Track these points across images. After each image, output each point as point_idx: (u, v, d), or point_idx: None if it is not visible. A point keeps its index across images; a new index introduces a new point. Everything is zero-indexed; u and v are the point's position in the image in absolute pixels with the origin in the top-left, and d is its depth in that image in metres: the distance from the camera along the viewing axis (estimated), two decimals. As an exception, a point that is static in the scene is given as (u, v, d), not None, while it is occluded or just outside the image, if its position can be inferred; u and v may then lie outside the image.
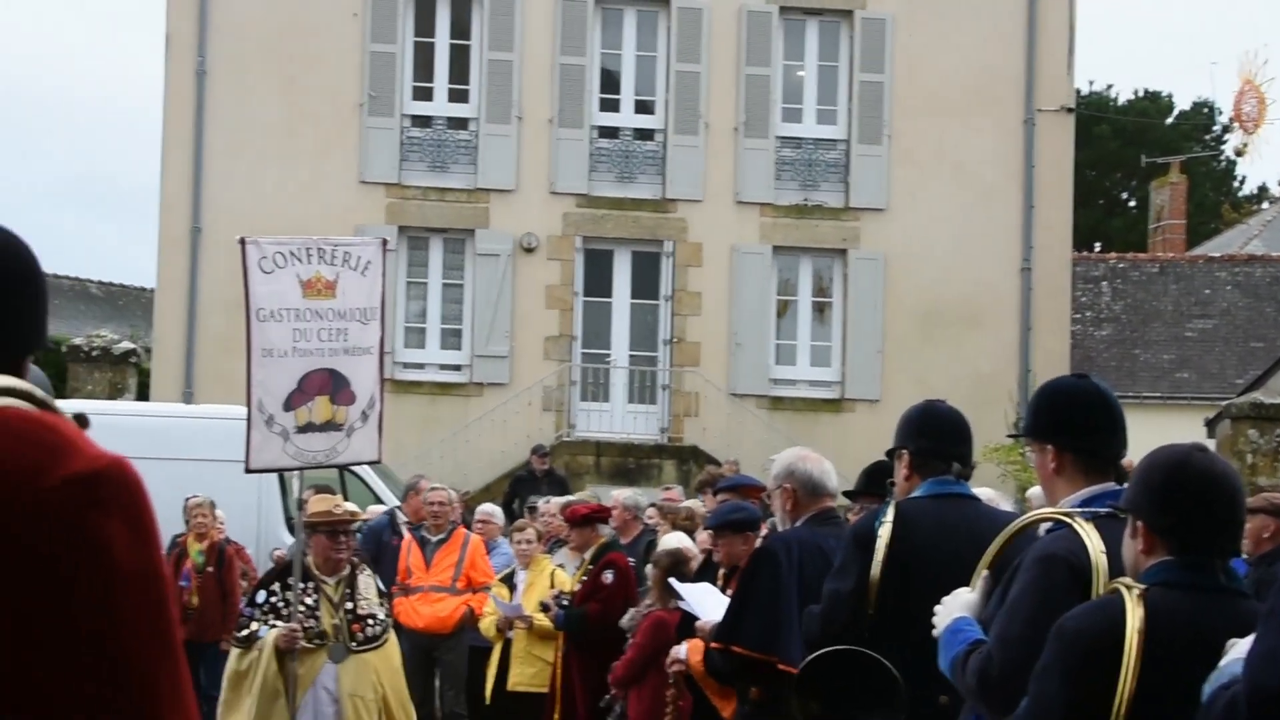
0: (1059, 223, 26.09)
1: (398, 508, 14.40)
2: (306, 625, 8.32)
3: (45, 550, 1.49)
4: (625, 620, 9.54)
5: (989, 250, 25.57)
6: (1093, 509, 4.26)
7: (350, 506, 9.03)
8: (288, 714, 8.26)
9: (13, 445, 1.54)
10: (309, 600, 8.44)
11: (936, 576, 4.67)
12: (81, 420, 1.82)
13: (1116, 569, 3.97)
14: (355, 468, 16.16)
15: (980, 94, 25.85)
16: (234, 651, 8.57)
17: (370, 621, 8.52)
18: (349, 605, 8.49)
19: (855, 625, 5.17)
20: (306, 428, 8.58)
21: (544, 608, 10.88)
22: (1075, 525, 4.19)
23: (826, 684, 4.91)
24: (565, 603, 10.67)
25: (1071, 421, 4.49)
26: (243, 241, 8.64)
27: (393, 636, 8.86)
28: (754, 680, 6.79)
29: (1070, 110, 26.60)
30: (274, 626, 8.32)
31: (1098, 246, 44.49)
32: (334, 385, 8.63)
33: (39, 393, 1.63)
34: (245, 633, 8.45)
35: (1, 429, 1.55)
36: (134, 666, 1.54)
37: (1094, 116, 45.75)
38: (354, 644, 8.42)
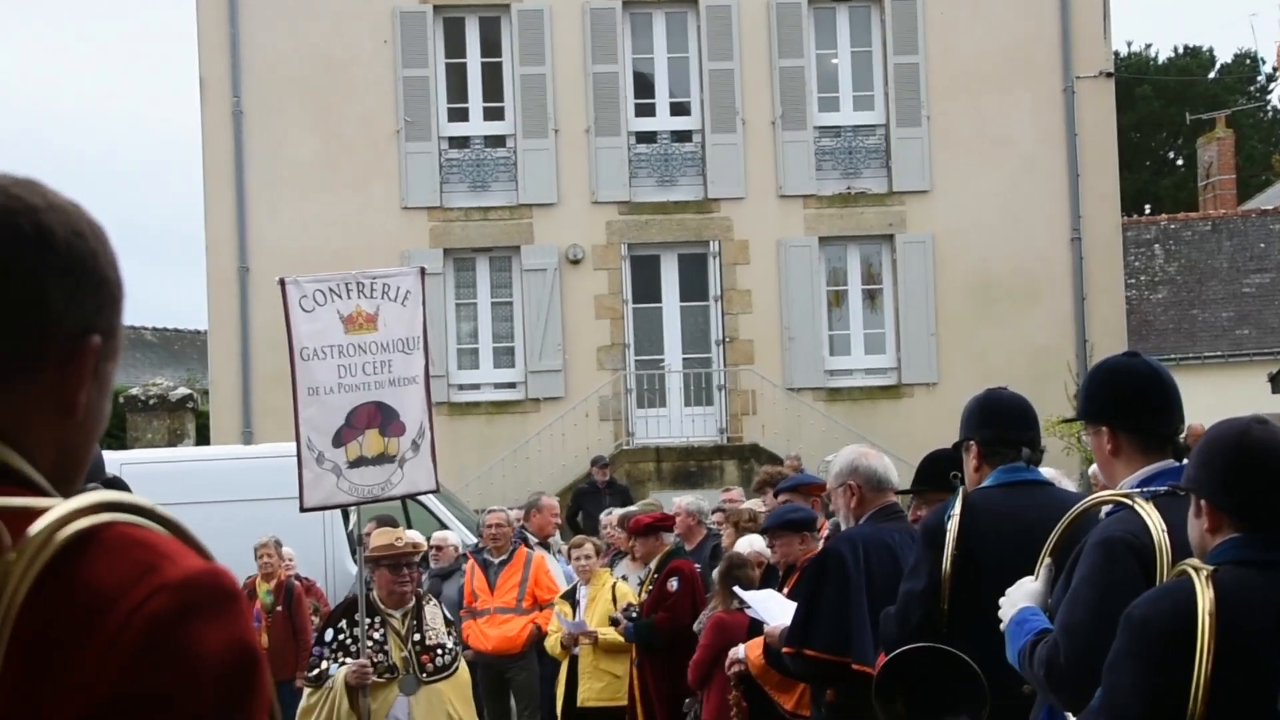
0: (1106, 189, 25.88)
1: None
2: (376, 660, 8.30)
3: (139, 658, 1.50)
4: (696, 624, 9.51)
5: (1037, 223, 25.39)
6: (1152, 488, 4.17)
7: (412, 538, 8.97)
8: None
9: (110, 561, 1.53)
10: (377, 635, 8.43)
11: (1007, 567, 4.61)
12: (118, 484, 1.80)
13: (1179, 548, 3.89)
14: (420, 495, 16.24)
15: (1016, 66, 25.68)
16: (305, 691, 8.55)
17: (439, 651, 8.49)
18: (416, 637, 8.47)
19: (931, 623, 5.10)
20: (358, 462, 8.57)
21: (613, 622, 10.82)
22: (1136, 506, 4.11)
23: (908, 684, 4.85)
24: (634, 615, 10.61)
25: (1125, 401, 4.42)
26: (282, 282, 8.68)
27: (463, 664, 8.83)
28: (828, 682, 6.72)
29: (1109, 75, 26.38)
30: (344, 663, 8.30)
31: (1148, 209, 44.11)
32: (383, 418, 8.61)
33: (142, 502, 1.62)
34: (316, 672, 8.43)
35: (103, 546, 1.54)
36: None
37: (1134, 78, 45.38)
38: (424, 675, 8.40)
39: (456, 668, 8.62)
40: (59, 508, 1.53)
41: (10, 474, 1.61)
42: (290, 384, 8.58)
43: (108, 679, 1.49)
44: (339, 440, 8.53)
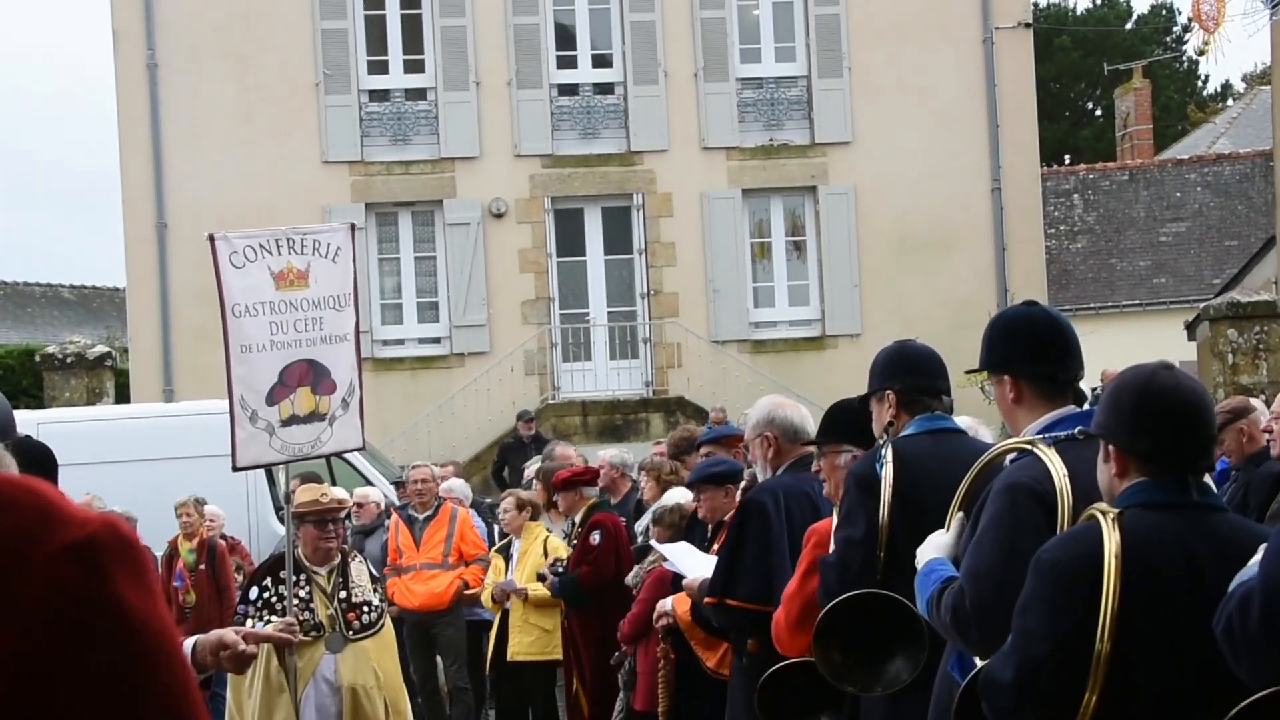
0: (1025, 140, 26.03)
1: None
2: (302, 618, 8.25)
3: (58, 616, 1.46)
4: (630, 578, 9.52)
5: (958, 173, 25.52)
6: (1054, 434, 4.24)
7: (338, 494, 8.90)
8: (291, 708, 8.21)
9: (2, 515, 1.49)
10: (302, 592, 8.40)
11: (942, 512, 4.63)
12: (29, 443, 1.78)
13: (1081, 493, 3.95)
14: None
15: (937, 16, 25.74)
16: None
17: (366, 609, 8.48)
18: (343, 594, 8.46)
19: (868, 570, 5.11)
20: (290, 420, 8.48)
21: (540, 577, 10.83)
22: (1038, 451, 4.17)
23: (847, 633, 4.88)
24: (560, 570, 10.62)
25: (1025, 350, 4.50)
26: (211, 238, 8.53)
27: (388, 622, 8.82)
28: (751, 632, 6.74)
29: (1028, 25, 26.48)
30: (269, 622, 8.21)
31: (1067, 159, 44.43)
32: (314, 375, 8.55)
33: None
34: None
35: None
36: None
37: (1053, 29, 45.62)
38: (350, 633, 8.39)
39: (382, 625, 8.60)
40: None
41: None
42: (221, 341, 8.49)
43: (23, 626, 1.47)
44: (272, 399, 8.44)
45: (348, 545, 9.04)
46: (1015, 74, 25.96)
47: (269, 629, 8.05)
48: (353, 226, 8.95)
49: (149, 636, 1.51)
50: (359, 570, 8.65)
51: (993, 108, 25.72)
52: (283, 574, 8.39)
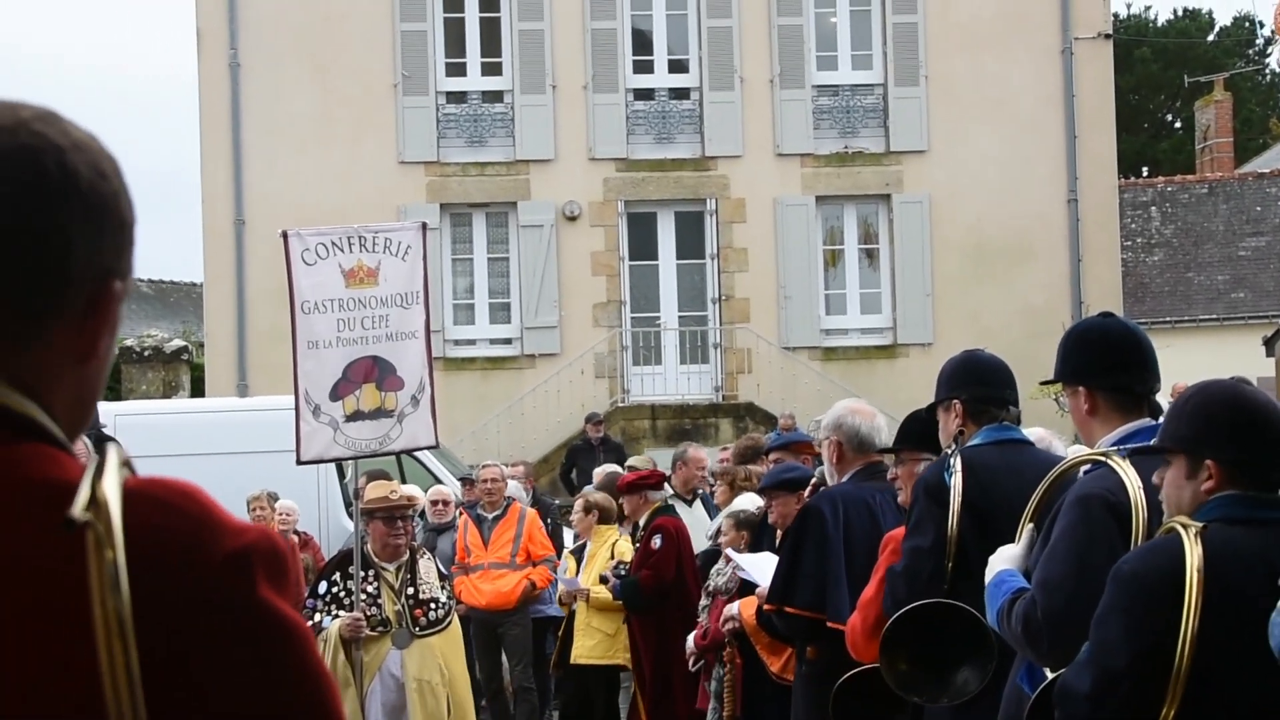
0: (1103, 151, 25.84)
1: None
2: (369, 614, 8.29)
3: (213, 623, 1.49)
4: (725, 581, 9.45)
5: (1034, 184, 25.35)
6: (1129, 446, 4.20)
7: (407, 491, 8.92)
8: (357, 703, 8.21)
9: (165, 520, 1.51)
10: (370, 588, 8.41)
11: (1011, 523, 4.61)
12: (104, 439, 1.78)
13: (1157, 505, 3.92)
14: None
15: (1015, 26, 25.59)
16: None
17: (433, 605, 8.49)
18: (410, 591, 8.46)
19: (937, 579, 5.10)
20: (355, 416, 8.52)
21: (603, 579, 10.82)
22: (1112, 463, 4.13)
23: (913, 642, 4.85)
24: (622, 572, 10.61)
25: (1101, 361, 4.47)
26: (285, 235, 8.61)
27: (456, 620, 8.84)
28: (809, 640, 6.72)
29: (1108, 36, 26.31)
30: (337, 616, 8.30)
31: (1145, 171, 44.05)
32: (380, 372, 8.58)
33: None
34: (309, 625, 8.36)
35: (146, 503, 1.50)
36: None
37: (1134, 40, 45.26)
38: (417, 629, 8.40)
39: (450, 622, 8.61)
40: (109, 466, 1.48)
41: (31, 428, 1.57)
42: (290, 337, 8.56)
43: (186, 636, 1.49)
44: (336, 394, 8.48)
45: (417, 542, 9.03)
46: (1094, 85, 25.77)
47: (336, 624, 8.19)
48: (424, 225, 8.99)
49: (295, 641, 1.54)
50: (427, 567, 8.66)
51: (1070, 118, 25.54)
52: (351, 569, 8.41)
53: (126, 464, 1.53)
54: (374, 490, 8.72)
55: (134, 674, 1.42)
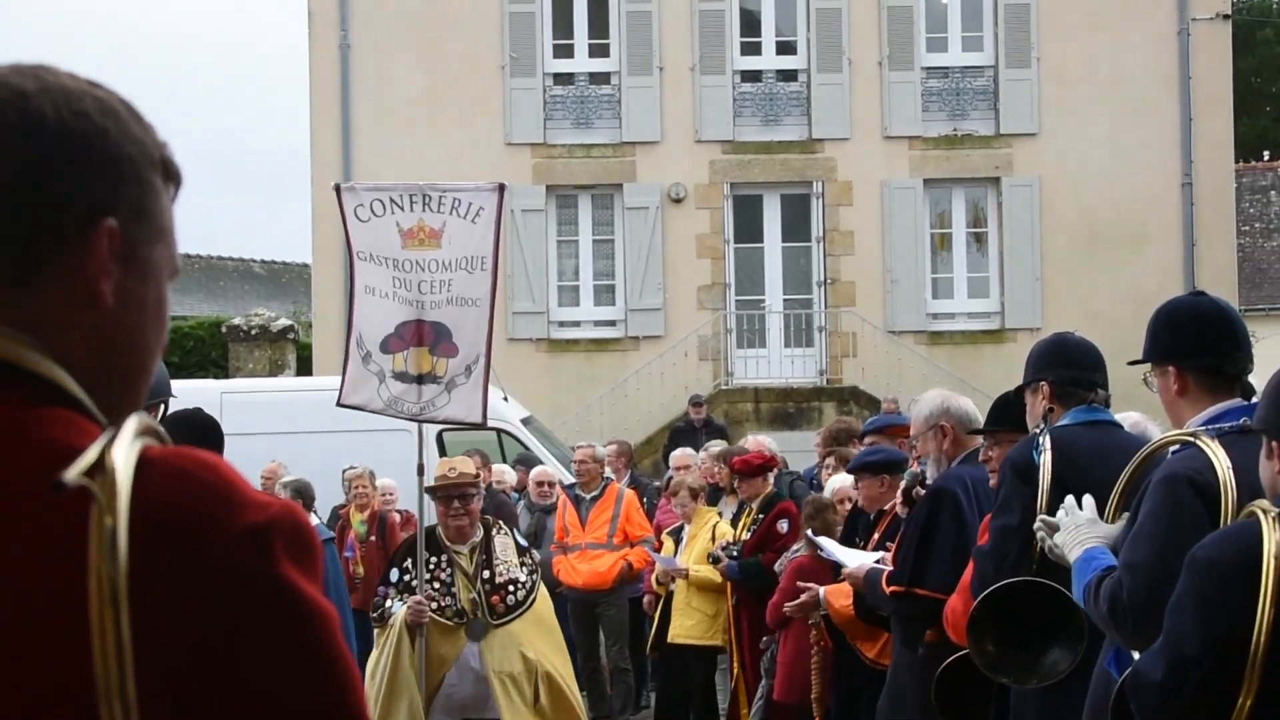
0: (1220, 134, 25.40)
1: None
2: (444, 604, 7.81)
3: (229, 598, 1.45)
4: (777, 565, 9.47)
5: (1147, 167, 24.99)
6: (1219, 426, 4.12)
7: (469, 468, 8.24)
8: (417, 694, 7.76)
9: (184, 491, 1.47)
10: (444, 575, 7.91)
11: (1100, 502, 4.54)
12: (198, 415, 1.76)
13: (1246, 487, 3.83)
14: (514, 430, 16.29)
15: (1130, 6, 25.23)
16: (375, 632, 8.07)
17: (511, 588, 7.90)
18: (486, 574, 7.89)
19: (1025, 559, 5.05)
20: (402, 376, 8.13)
21: (713, 559, 10.74)
22: (1200, 443, 4.06)
23: (1002, 623, 4.80)
24: (735, 553, 10.55)
25: (1191, 340, 4.39)
26: (338, 188, 8.27)
27: (542, 594, 8.17)
28: (931, 623, 6.62)
29: (1226, 17, 25.85)
30: (406, 602, 7.86)
31: (1265, 155, 43.26)
32: (435, 336, 8.12)
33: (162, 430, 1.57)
34: (380, 611, 7.96)
35: (165, 472, 1.47)
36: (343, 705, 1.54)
37: (1256, 21, 44.43)
38: (494, 618, 7.83)
39: (532, 601, 7.99)
40: (124, 432, 1.46)
41: (49, 390, 1.54)
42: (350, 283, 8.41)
43: (203, 610, 1.45)
44: (387, 347, 8.12)
45: (490, 518, 8.51)
46: (1211, 67, 25.32)
47: (402, 610, 7.77)
48: (501, 188, 8.43)
49: (314, 622, 1.49)
50: (503, 544, 8.09)
51: (1186, 101, 25.12)
52: (425, 554, 7.94)
53: (152, 433, 1.49)
54: (438, 468, 8.28)
55: (124, 645, 1.39)
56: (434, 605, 7.83)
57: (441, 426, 15.99)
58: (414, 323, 8.12)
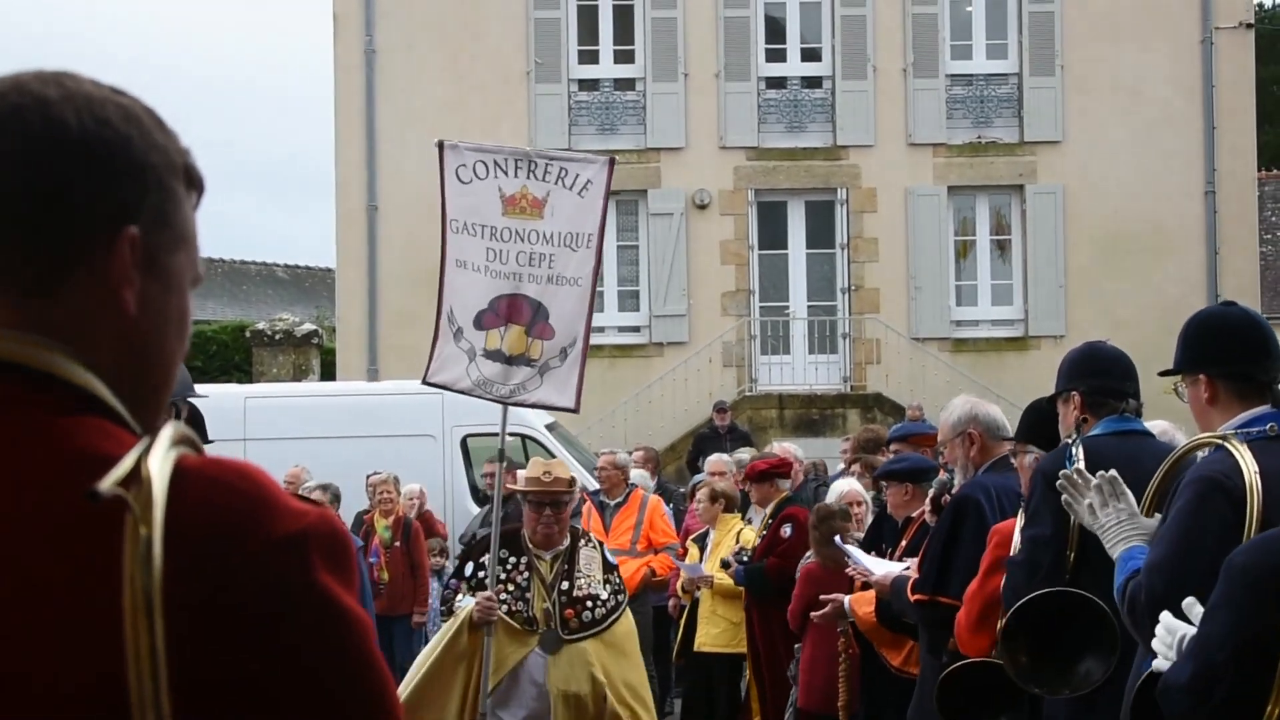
0: (1243, 143, 25.37)
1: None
2: (515, 608, 7.33)
3: (269, 611, 1.46)
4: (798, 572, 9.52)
5: (1170, 175, 24.96)
6: (1248, 430, 4.17)
7: (563, 473, 7.67)
8: (459, 691, 7.31)
9: (221, 500, 1.47)
10: (520, 578, 7.44)
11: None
12: (193, 411, 1.78)
13: (1272, 490, 3.87)
14: (539, 435, 16.33)
15: (1154, 15, 25.20)
16: (442, 626, 7.67)
17: (590, 604, 7.38)
18: (564, 585, 7.41)
19: (1058, 569, 5.07)
20: (495, 355, 7.66)
21: (724, 565, 10.83)
22: (1229, 446, 4.10)
23: (1034, 634, 4.83)
24: (745, 559, 10.62)
25: (1223, 349, 4.44)
26: (441, 145, 7.75)
27: (627, 617, 7.65)
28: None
29: (1250, 26, 25.80)
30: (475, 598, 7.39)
31: (1289, 164, 43.13)
32: (532, 315, 7.67)
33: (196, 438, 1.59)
34: (449, 605, 7.59)
35: (201, 481, 1.47)
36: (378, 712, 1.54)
37: (1278, 30, 44.31)
38: (566, 632, 7.32)
39: (612, 622, 7.45)
40: (160, 442, 1.46)
41: (87, 399, 1.54)
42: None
43: (235, 620, 1.45)
44: (480, 323, 7.63)
45: (579, 527, 8.09)
46: (1234, 75, 25.30)
47: (469, 604, 7.31)
48: (612, 160, 8.03)
49: (352, 629, 1.50)
50: (589, 558, 7.56)
51: (1209, 109, 25.09)
52: (502, 553, 7.51)
53: (188, 441, 1.50)
54: (530, 469, 7.72)
55: (159, 654, 1.40)
56: (505, 608, 7.35)
57: (467, 432, 16.18)
58: (509, 297, 7.68)
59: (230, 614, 1.44)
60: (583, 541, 7.67)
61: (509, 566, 7.49)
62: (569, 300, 7.70)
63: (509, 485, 8.37)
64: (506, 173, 7.64)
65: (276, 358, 23.49)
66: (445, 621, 7.56)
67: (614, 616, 7.46)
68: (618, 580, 7.69)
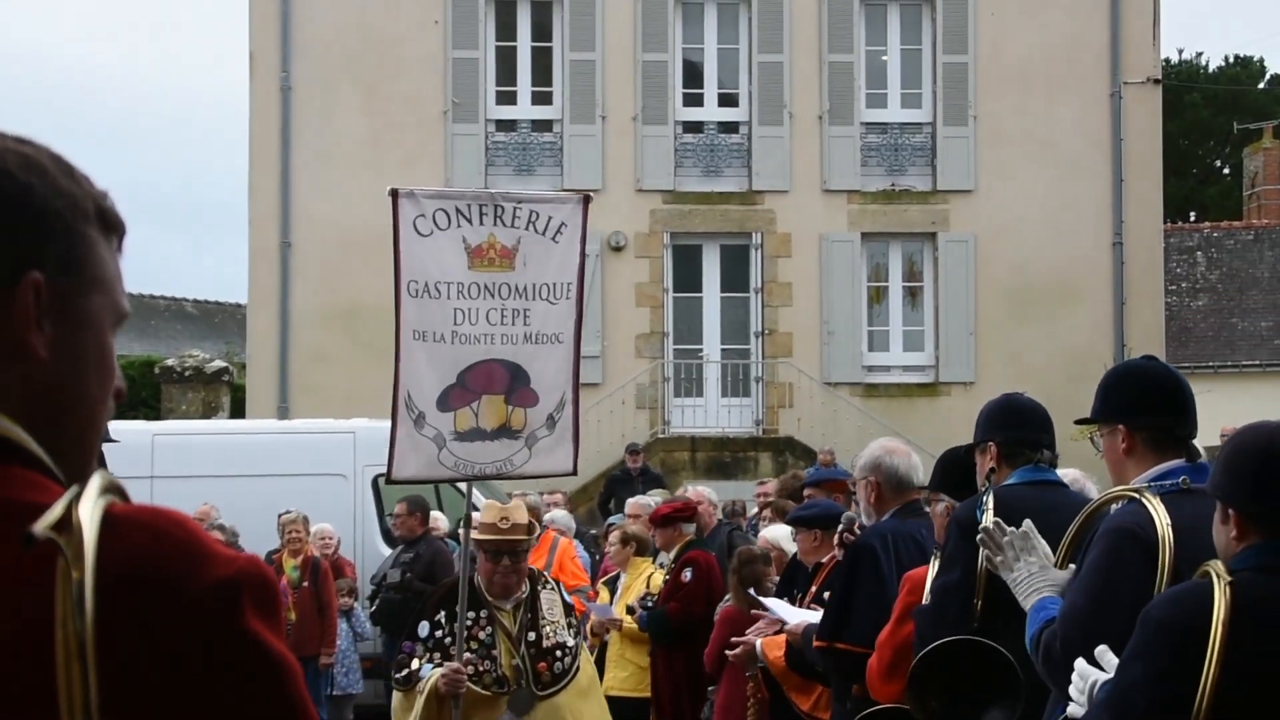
0: (1150, 195, 25.78)
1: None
2: (483, 668, 6.69)
3: (203, 657, 1.46)
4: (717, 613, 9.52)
5: (1080, 226, 25.31)
6: (1161, 484, 4.23)
7: (521, 517, 6.94)
8: None
9: (152, 546, 1.48)
10: (484, 635, 6.77)
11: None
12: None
13: (1184, 544, 3.93)
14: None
15: (1065, 69, 25.60)
16: (395, 695, 6.96)
17: (559, 654, 6.78)
18: (531, 637, 6.78)
19: (964, 617, 5.10)
20: (470, 434, 6.84)
21: (630, 610, 10.81)
22: (1143, 499, 4.16)
23: (942, 680, 4.86)
24: (649, 604, 10.60)
25: (1143, 401, 4.51)
26: (395, 194, 6.82)
27: (585, 660, 7.13)
28: (857, 677, 6.68)
29: (1157, 81, 26.26)
30: (439, 665, 6.67)
31: (1192, 216, 43.88)
32: (511, 381, 6.88)
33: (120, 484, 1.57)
34: (405, 672, 6.79)
35: (132, 528, 1.47)
36: None
37: (1184, 85, 45.13)
38: (539, 688, 6.71)
39: (578, 669, 6.89)
40: (90, 489, 1.45)
41: (2, 447, 1.54)
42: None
43: (169, 666, 1.45)
44: (446, 403, 6.80)
45: (535, 569, 7.37)
46: (1142, 129, 25.73)
47: (435, 675, 6.62)
48: (586, 198, 7.22)
49: (283, 674, 1.51)
50: (550, 601, 6.92)
51: (1118, 162, 25.50)
52: (454, 608, 6.77)
53: (116, 490, 1.50)
54: (485, 514, 6.98)
55: (91, 701, 1.39)
56: (470, 670, 6.67)
57: (378, 472, 16.02)
58: (480, 365, 6.85)
59: (164, 661, 1.45)
60: (541, 585, 7.03)
61: (469, 622, 6.78)
62: (551, 359, 6.98)
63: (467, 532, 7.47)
64: (470, 220, 6.82)
65: (185, 394, 23.26)
66: (397, 690, 6.92)
67: (578, 662, 6.91)
68: (577, 621, 7.17)
